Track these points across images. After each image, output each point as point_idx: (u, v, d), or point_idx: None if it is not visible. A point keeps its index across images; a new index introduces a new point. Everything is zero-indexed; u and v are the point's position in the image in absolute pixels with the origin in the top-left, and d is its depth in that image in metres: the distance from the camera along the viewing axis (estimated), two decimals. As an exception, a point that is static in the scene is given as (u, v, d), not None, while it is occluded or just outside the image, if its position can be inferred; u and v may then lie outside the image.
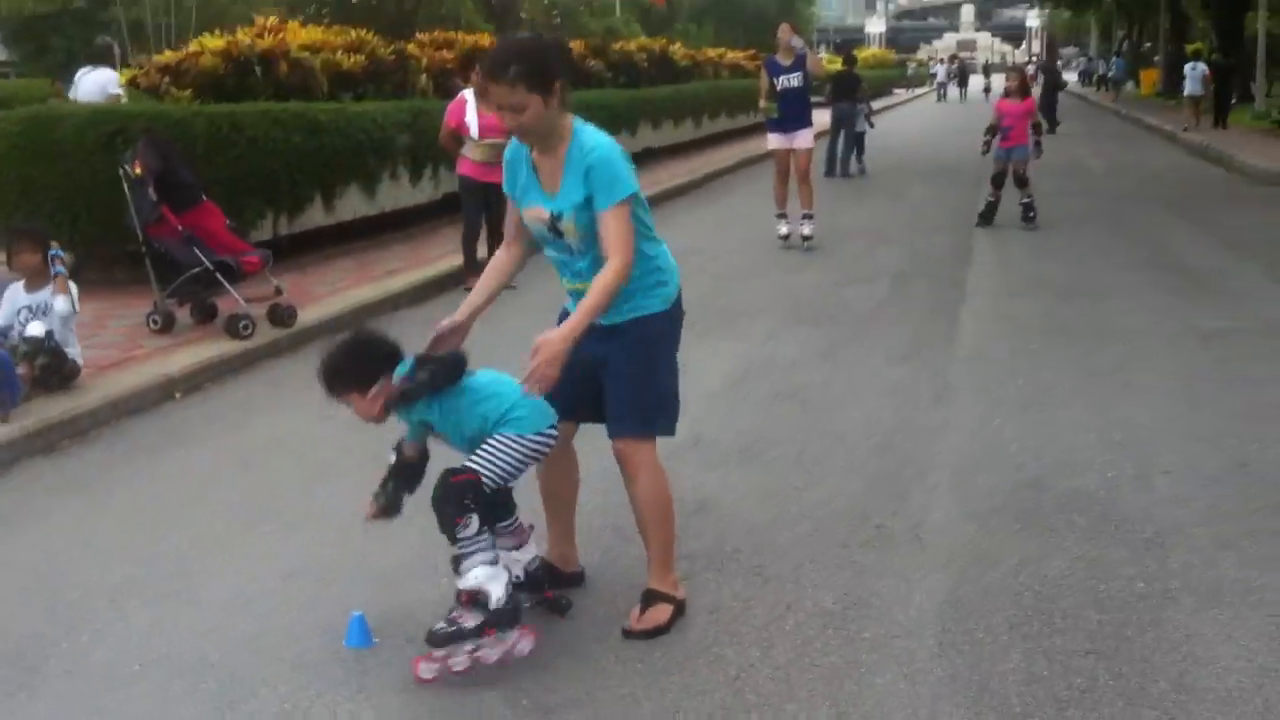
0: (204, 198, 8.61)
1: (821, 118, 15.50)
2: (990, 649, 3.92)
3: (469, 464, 3.78)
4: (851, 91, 20.14)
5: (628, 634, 4.10)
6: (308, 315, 8.83)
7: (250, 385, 7.61)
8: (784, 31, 13.13)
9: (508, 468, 3.82)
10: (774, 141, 13.36)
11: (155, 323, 8.40)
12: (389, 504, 4.00)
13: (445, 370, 3.81)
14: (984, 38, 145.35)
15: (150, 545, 4.94)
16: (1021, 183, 13.73)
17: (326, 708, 3.63)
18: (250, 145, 10.52)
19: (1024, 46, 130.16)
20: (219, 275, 8.13)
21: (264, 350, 8.21)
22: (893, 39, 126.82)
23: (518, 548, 4.12)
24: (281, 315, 8.58)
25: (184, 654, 3.97)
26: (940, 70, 62.16)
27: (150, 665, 3.91)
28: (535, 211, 4.01)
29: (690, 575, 4.53)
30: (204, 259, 8.09)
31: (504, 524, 4.03)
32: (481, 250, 10.75)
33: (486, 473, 3.77)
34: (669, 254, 4.21)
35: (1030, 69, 35.42)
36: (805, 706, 3.61)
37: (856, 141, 20.42)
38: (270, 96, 12.24)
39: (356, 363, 3.87)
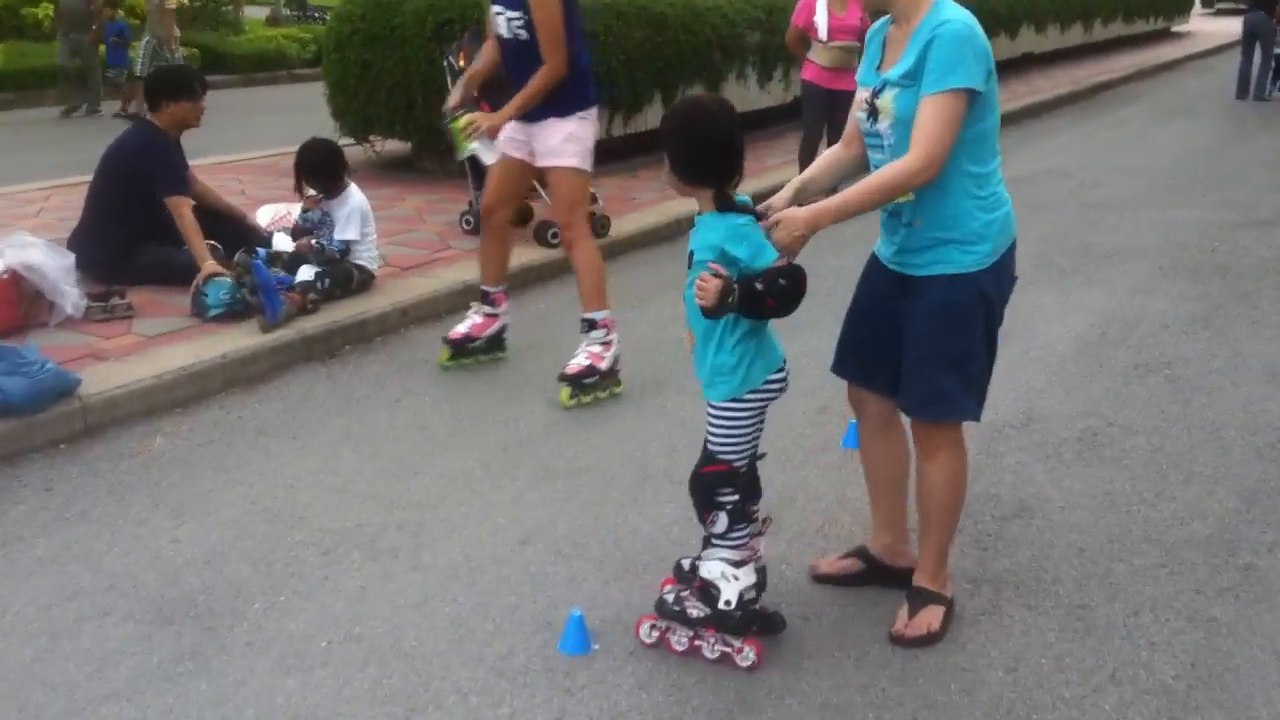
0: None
1: (1233, 26, 13.49)
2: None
3: (714, 449, 3.31)
4: (1269, 2, 17.52)
5: (895, 639, 3.52)
6: (624, 225, 8.28)
7: (551, 300, 7.15)
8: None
9: (745, 439, 3.31)
10: None
11: (468, 223, 8.09)
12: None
13: (789, 293, 3.10)
14: None
15: (395, 486, 4.53)
16: None
17: (517, 732, 3.06)
18: (589, 40, 9.98)
19: None
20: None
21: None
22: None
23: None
24: (594, 225, 8.06)
25: (379, 636, 3.49)
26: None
27: (339, 646, 3.44)
28: (862, 94, 3.40)
29: (992, 607, 3.66)
30: (519, 159, 7.65)
31: (754, 508, 3.42)
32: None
33: (735, 456, 3.31)
34: (1005, 196, 3.36)
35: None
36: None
37: (1278, 61, 17.76)
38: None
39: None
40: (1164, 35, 30.10)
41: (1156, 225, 9.20)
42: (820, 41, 9.49)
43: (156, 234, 6.61)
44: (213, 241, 6.66)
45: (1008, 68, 19.33)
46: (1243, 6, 17.08)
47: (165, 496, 4.42)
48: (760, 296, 3.05)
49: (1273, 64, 17.65)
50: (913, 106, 3.18)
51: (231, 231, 6.91)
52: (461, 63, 7.85)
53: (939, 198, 3.26)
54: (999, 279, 3.35)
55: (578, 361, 5.40)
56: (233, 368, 5.53)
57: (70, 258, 5.97)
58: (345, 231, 6.57)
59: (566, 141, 5.40)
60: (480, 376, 5.79)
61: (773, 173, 10.76)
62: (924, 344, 3.37)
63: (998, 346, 3.47)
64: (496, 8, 5.37)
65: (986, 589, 3.78)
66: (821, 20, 9.46)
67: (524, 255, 7.54)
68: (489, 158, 5.57)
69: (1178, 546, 4.08)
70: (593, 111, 5.57)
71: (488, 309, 5.91)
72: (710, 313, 3.08)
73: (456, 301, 6.80)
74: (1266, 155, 12.72)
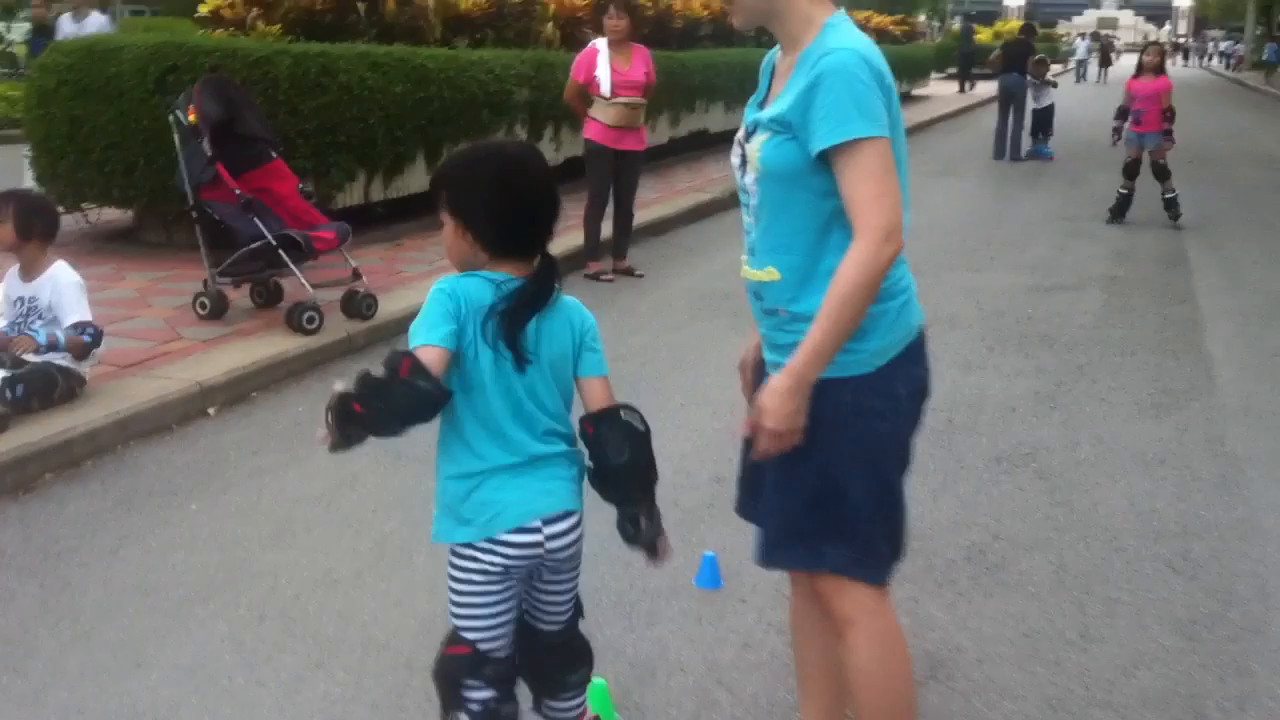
0: (274, 155, 6.97)
1: (988, 89, 13.45)
2: None
3: (453, 620, 2.52)
4: (1021, 63, 17.79)
5: None
6: (391, 304, 7.13)
7: (311, 396, 5.95)
8: None
9: (489, 613, 2.49)
10: None
11: (203, 306, 6.79)
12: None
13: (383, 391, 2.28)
14: (1126, 16, 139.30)
15: (109, 688, 3.28)
16: (1161, 174, 11.66)
17: None
18: (343, 92, 8.86)
19: (1168, 27, 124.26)
20: (282, 252, 6.48)
21: (333, 349, 6.55)
22: (1030, 13, 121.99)
23: None
24: (358, 305, 6.91)
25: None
26: (1081, 47, 58.40)
27: None
28: (739, 135, 2.56)
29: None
30: (264, 231, 6.45)
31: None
32: (605, 229, 9.02)
33: (477, 635, 2.49)
34: (904, 279, 2.53)
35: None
36: None
37: (1039, 119, 18.02)
38: (374, 39, 10.62)
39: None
40: (905, 98, 30.91)
41: (963, 291, 8.67)
42: (603, 97, 8.64)
43: None
44: None
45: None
46: (987, 71, 17.24)
47: None
48: (345, 402, 2.26)
49: (1022, 122, 17.91)
50: (784, 161, 2.36)
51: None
52: (192, 118, 6.60)
53: (804, 278, 2.42)
54: (890, 390, 2.45)
55: None
56: (-119, 517, 4.14)
57: None
58: (77, 309, 5.22)
59: None
60: (222, 508, 4.55)
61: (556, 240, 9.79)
62: (779, 468, 2.45)
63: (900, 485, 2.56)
64: None
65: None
66: (604, 74, 8.63)
67: (275, 344, 6.32)
68: None
69: (1132, 708, 3.27)
70: None
71: None
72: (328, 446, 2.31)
73: (191, 408, 5.52)
74: (1041, 215, 12.58)
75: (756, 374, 2.68)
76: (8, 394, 4.92)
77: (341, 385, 2.29)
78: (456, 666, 2.50)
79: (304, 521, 4.40)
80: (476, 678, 2.49)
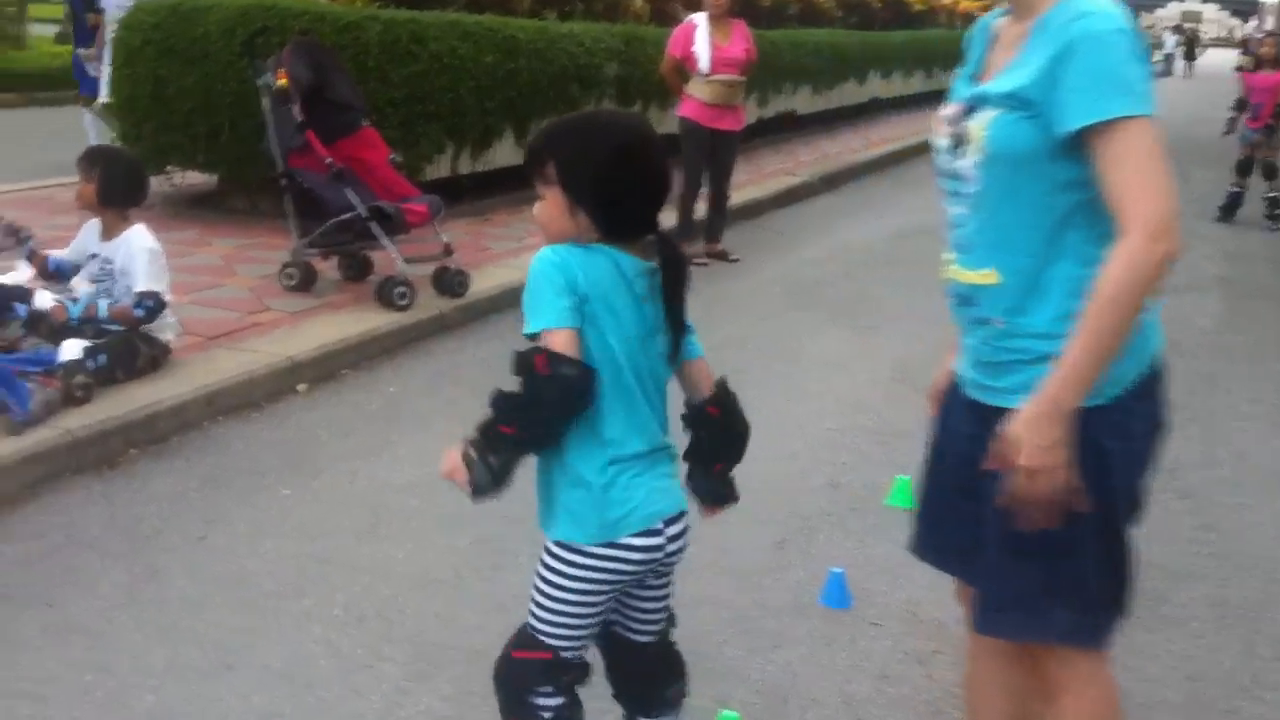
0: (364, 124, 6.73)
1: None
2: None
3: (535, 622, 2.32)
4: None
5: None
6: (481, 282, 6.88)
7: (403, 375, 5.71)
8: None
9: (582, 617, 2.29)
10: None
11: (290, 278, 6.56)
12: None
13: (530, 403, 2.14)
14: (1210, 9, 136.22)
15: (200, 689, 3.05)
16: (1270, 173, 11.10)
17: None
18: (433, 61, 8.59)
19: (1253, 22, 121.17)
20: (373, 224, 6.24)
21: (425, 326, 6.30)
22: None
23: None
24: (450, 281, 6.66)
25: None
26: (1169, 41, 56.99)
27: None
28: (945, 111, 2.20)
29: None
30: (356, 202, 6.21)
31: None
32: (699, 211, 8.72)
33: (561, 641, 2.29)
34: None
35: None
36: None
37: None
38: (464, 7, 10.36)
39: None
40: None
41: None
42: (700, 74, 8.33)
43: None
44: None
45: (859, 111, 18.71)
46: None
47: None
48: (491, 433, 2.13)
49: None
50: (1018, 143, 2.01)
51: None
52: (282, 82, 6.37)
53: (1029, 285, 2.08)
54: (1126, 426, 2.09)
55: None
56: (-38, 491, 3.94)
57: None
58: (145, 278, 4.94)
59: None
60: (314, 493, 4.32)
61: (639, 220, 9.51)
62: (998, 519, 2.09)
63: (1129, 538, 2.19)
64: None
65: None
66: (702, 50, 8.31)
67: (365, 320, 6.08)
68: None
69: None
70: None
71: None
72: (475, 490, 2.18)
73: (279, 384, 5.30)
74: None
75: (951, 400, 2.34)
76: (90, 364, 4.71)
77: (468, 435, 2.15)
78: (531, 672, 2.30)
79: (399, 513, 4.15)
80: (551, 684, 2.30)
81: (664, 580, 2.38)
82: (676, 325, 2.24)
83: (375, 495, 4.31)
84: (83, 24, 11.21)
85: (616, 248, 2.18)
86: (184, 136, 8.25)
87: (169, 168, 8.81)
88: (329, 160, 6.25)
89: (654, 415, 2.25)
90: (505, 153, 9.65)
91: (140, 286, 4.91)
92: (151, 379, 4.95)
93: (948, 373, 2.39)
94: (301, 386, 5.38)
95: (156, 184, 8.85)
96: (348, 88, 6.77)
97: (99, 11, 10.57)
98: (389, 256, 6.39)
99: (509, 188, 9.43)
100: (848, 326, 7.06)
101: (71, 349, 4.67)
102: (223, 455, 4.62)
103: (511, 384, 2.11)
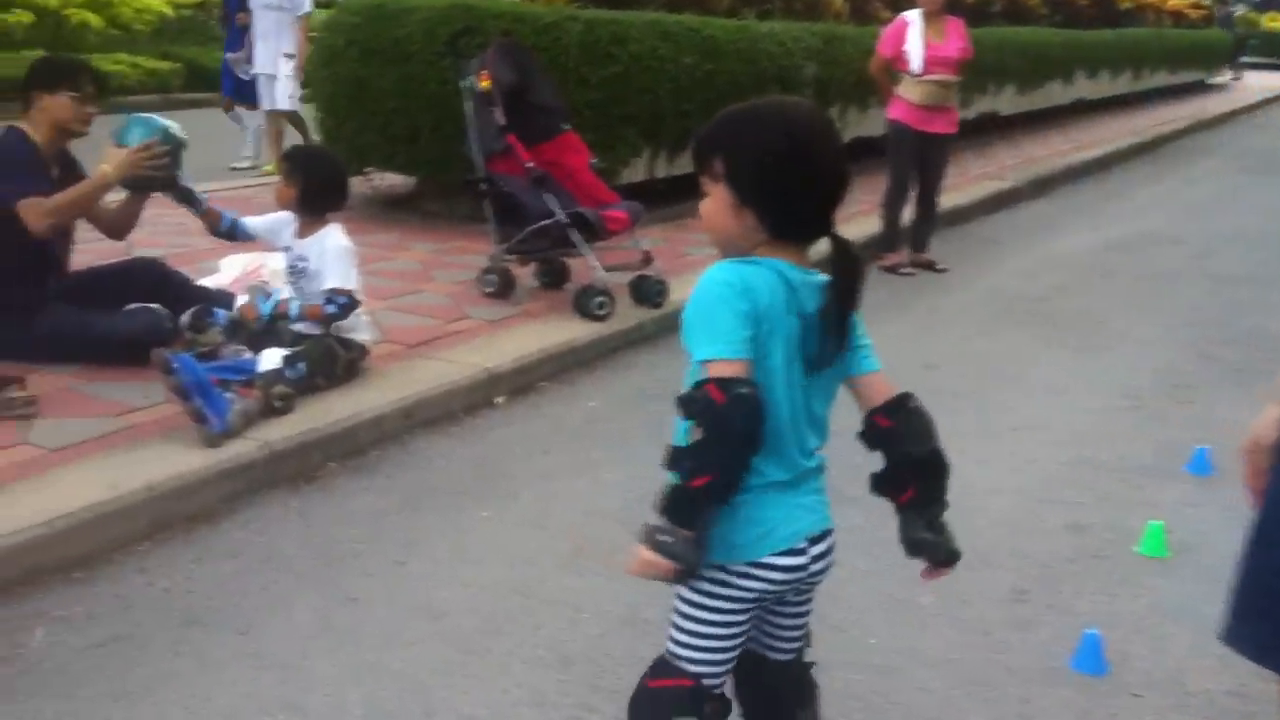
0: (565, 128, 6.54)
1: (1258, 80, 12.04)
2: None
3: (674, 649, 2.21)
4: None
5: None
6: (680, 290, 6.60)
7: (603, 389, 5.49)
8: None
9: (724, 641, 2.17)
10: None
11: (489, 284, 6.41)
12: None
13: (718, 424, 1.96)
14: None
15: (396, 731, 2.85)
16: None
17: None
18: (633, 62, 8.38)
19: None
20: (572, 231, 6.04)
21: (623, 337, 6.08)
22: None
23: None
24: (649, 290, 6.41)
25: None
26: None
27: None
28: None
29: None
30: (555, 208, 6.02)
31: None
32: (905, 218, 8.31)
33: (705, 667, 2.18)
34: None
35: None
36: None
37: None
38: (662, 6, 10.14)
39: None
40: (1200, 88, 28.69)
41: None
42: (912, 74, 7.91)
43: (64, 290, 4.96)
44: (154, 305, 5.01)
45: (1064, 112, 17.89)
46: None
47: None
48: (683, 495, 1.97)
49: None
50: None
51: (178, 289, 5.23)
52: (485, 84, 6.23)
53: None
54: None
55: None
56: (162, 504, 3.83)
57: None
58: (336, 276, 4.82)
59: None
60: (513, 516, 4.11)
61: (839, 227, 9.11)
62: None
63: None
64: None
65: None
66: (914, 49, 7.90)
67: (563, 330, 5.89)
68: None
69: None
70: None
71: None
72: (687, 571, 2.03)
73: (477, 396, 5.13)
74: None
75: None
76: (289, 373, 4.60)
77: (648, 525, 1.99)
78: (671, 702, 2.18)
79: (602, 541, 3.90)
80: (692, 714, 2.18)
81: (805, 598, 2.27)
82: (844, 338, 2.09)
83: (576, 520, 4.07)
84: (234, 25, 11.24)
85: (781, 257, 2.05)
86: (383, 138, 8.22)
87: (367, 169, 8.82)
88: (529, 165, 6.08)
89: (799, 442, 2.10)
90: (699, 156, 9.38)
91: (333, 284, 4.80)
92: (349, 389, 4.83)
93: (1274, 421, 2.02)
94: (499, 399, 5.21)
95: (355, 185, 8.90)
96: (550, 90, 6.61)
97: (248, 10, 10.65)
98: (586, 264, 6.19)
99: (695, 192, 9.14)
100: (1069, 346, 6.56)
101: (271, 359, 4.58)
102: (422, 472, 4.45)
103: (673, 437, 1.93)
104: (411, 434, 4.77)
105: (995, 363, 6.22)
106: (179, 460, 4.02)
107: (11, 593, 3.37)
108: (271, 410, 4.44)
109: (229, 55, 11.38)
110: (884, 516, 2.28)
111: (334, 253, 4.85)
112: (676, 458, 1.97)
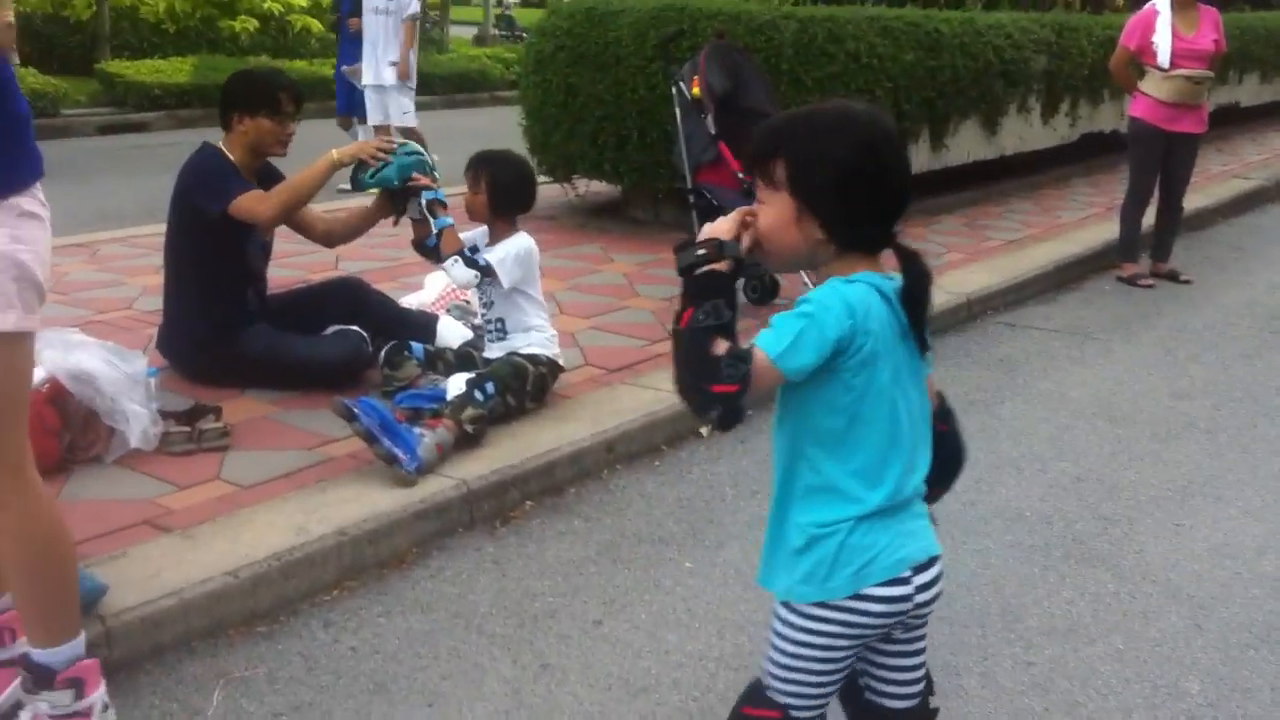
0: (779, 135, 6.16)
1: None
2: None
3: (770, 680, 2.14)
4: None
5: None
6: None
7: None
8: None
9: (822, 676, 2.08)
10: None
11: (695, 302, 6.09)
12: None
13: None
14: None
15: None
16: None
17: None
18: (850, 61, 7.95)
19: None
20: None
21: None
22: None
23: None
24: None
25: None
26: None
27: None
28: None
29: None
30: (768, 223, 5.66)
31: None
32: (1146, 222, 7.66)
33: (798, 700, 2.10)
34: None
35: None
36: None
37: None
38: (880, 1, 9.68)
39: None
40: None
41: None
42: (1159, 69, 7.25)
43: (261, 311, 4.85)
44: (353, 327, 4.88)
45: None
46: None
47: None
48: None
49: None
50: None
51: (378, 309, 5.08)
52: (696, 91, 5.91)
53: None
54: None
55: None
56: (353, 549, 3.63)
57: (139, 362, 4.14)
58: (496, 255, 4.62)
59: None
60: (719, 570, 3.77)
61: (1071, 232, 8.49)
62: None
63: None
64: None
65: None
66: (1163, 42, 7.23)
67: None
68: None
69: None
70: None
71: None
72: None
73: (681, 426, 4.81)
74: None
75: None
76: (478, 395, 4.35)
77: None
78: None
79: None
80: None
81: (915, 635, 2.14)
82: (925, 347, 2.05)
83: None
84: (346, 33, 10.58)
85: (864, 269, 1.97)
86: (591, 145, 8.00)
87: (574, 177, 8.62)
88: (741, 175, 5.73)
89: (903, 462, 2.01)
90: (920, 158, 8.88)
91: (488, 259, 4.59)
92: (548, 420, 4.57)
93: None
94: (704, 430, 4.88)
95: (560, 191, 8.73)
96: (764, 95, 6.24)
97: (359, 15, 9.97)
98: (799, 278, 5.81)
99: (918, 194, 8.65)
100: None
101: (457, 384, 4.36)
102: (622, 515, 4.15)
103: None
104: (612, 470, 4.49)
105: (1258, 392, 5.57)
106: (372, 501, 3.81)
107: (194, 648, 3.21)
108: (465, 436, 4.20)
109: (344, 68, 10.61)
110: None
111: (511, 244, 4.64)
112: (734, 359, 1.85)
